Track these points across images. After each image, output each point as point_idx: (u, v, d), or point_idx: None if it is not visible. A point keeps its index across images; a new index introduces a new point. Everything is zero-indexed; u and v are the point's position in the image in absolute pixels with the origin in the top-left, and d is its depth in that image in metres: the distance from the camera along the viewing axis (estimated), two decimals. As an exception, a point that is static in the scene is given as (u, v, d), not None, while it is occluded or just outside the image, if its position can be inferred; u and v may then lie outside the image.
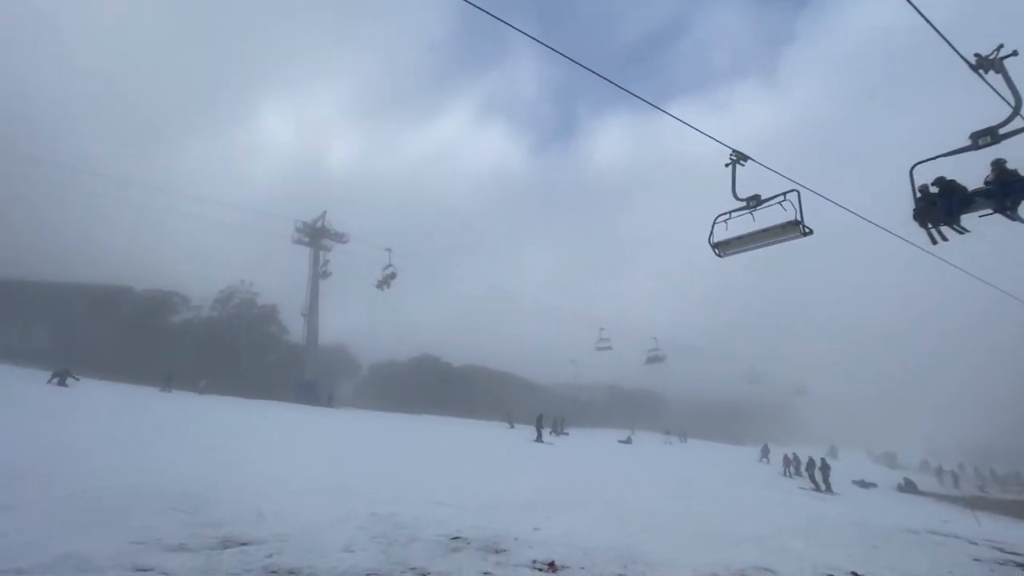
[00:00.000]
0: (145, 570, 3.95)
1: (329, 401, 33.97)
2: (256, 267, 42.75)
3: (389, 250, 31.54)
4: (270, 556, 4.55)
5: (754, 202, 6.83)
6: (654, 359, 39.67)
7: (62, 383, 18.31)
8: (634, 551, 6.06)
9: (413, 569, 4.63)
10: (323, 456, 11.69)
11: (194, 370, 30.28)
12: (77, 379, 19.33)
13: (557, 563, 5.18)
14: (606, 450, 25.06)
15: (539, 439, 23.65)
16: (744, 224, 6.95)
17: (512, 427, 32.32)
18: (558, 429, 30.44)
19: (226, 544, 4.76)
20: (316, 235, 38.45)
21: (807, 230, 6.32)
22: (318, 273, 38.47)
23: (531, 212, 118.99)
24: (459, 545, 5.57)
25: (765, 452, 31.08)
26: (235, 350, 36.79)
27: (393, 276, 31.83)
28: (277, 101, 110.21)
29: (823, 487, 19.83)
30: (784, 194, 6.50)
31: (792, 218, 6.32)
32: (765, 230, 6.63)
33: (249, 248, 44.87)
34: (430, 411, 35.64)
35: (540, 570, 4.96)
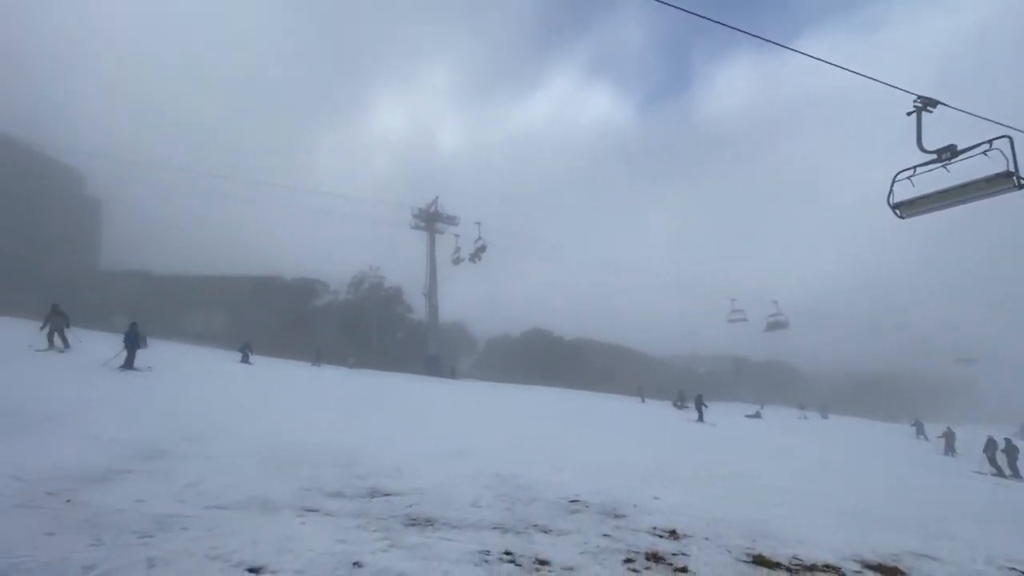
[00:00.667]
0: (312, 511, 4.66)
1: (452, 373, 36.47)
2: (382, 252, 46.71)
3: (478, 224, 32.46)
4: (410, 506, 5.10)
5: (948, 154, 5.67)
6: (775, 325, 36.18)
7: (245, 360, 21.95)
8: (764, 526, 5.75)
9: (535, 526, 4.89)
10: (450, 421, 12.66)
11: (336, 347, 34.21)
12: (251, 353, 23.06)
13: (679, 531, 5.12)
14: (732, 425, 23.73)
15: (700, 419, 22.43)
16: (931, 180, 5.84)
17: (643, 401, 31.85)
18: (680, 403, 29.42)
19: (373, 494, 5.43)
20: (431, 219, 40.82)
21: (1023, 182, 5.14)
22: (434, 255, 40.92)
23: (643, 174, 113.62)
24: (578, 508, 5.74)
25: (920, 429, 27.20)
26: (368, 329, 40.79)
27: (483, 249, 32.76)
28: (389, 93, 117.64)
29: (1007, 472, 16.85)
30: (990, 142, 5.33)
31: (1004, 168, 5.16)
32: (965, 185, 5.45)
33: (375, 235, 49.18)
34: (542, 383, 36.52)
35: (660, 536, 4.94)
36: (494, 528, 4.72)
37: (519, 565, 3.82)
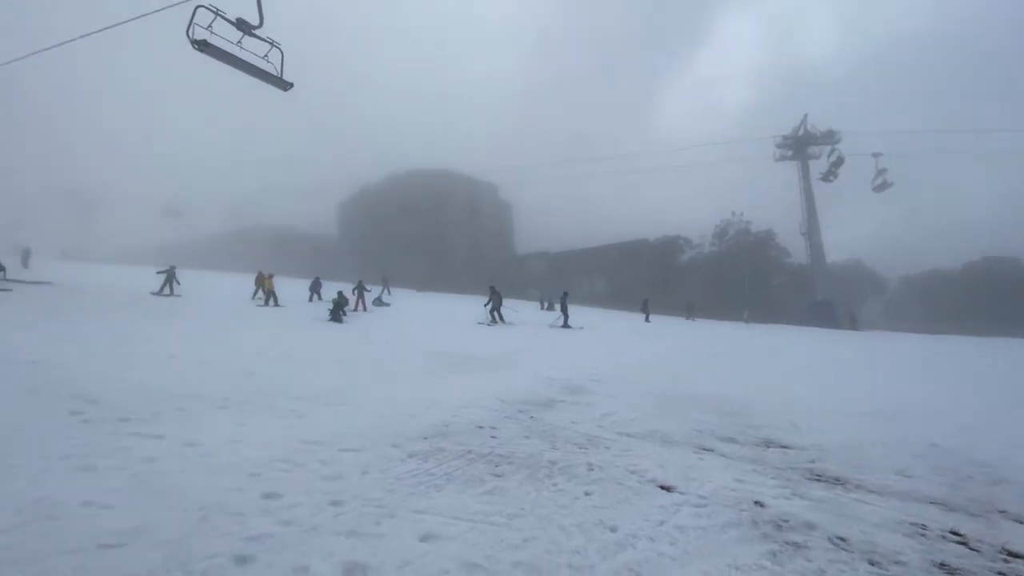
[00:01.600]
0: (707, 450, 5.03)
1: (852, 323, 30.70)
2: (746, 195, 43.40)
3: (833, 132, 24.64)
4: (812, 462, 4.79)
5: None
6: None
7: (647, 319, 24.74)
8: None
9: (1000, 512, 3.76)
10: (853, 379, 10.86)
11: (706, 300, 34.21)
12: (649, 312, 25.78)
13: None
14: None
15: None
16: None
17: None
18: None
19: (768, 444, 5.36)
20: (800, 144, 35.05)
21: None
22: (810, 186, 35.01)
23: None
24: (1091, 504, 4.03)
25: None
26: (738, 278, 38.86)
27: (840, 159, 24.97)
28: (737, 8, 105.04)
29: None
30: None
31: None
32: None
33: (737, 178, 46.03)
34: (1007, 333, 26.05)
35: None
36: (931, 503, 3.90)
37: (974, 550, 3.08)
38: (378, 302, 21.23)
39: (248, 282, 21.99)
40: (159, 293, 17.48)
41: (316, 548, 2.61)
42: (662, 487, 3.91)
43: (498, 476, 3.94)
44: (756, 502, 3.62)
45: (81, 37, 8.62)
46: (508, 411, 6.16)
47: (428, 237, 45.99)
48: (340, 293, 16.68)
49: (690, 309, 30.00)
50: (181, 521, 2.76)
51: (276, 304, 17.96)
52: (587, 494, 3.70)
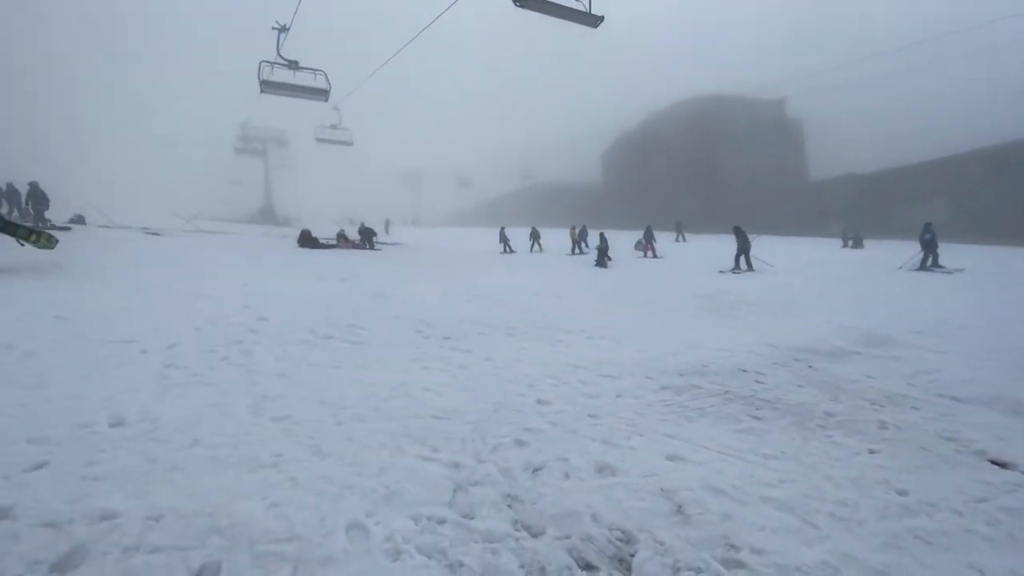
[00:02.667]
0: (1096, 430, 3.57)
1: None
2: None
3: None
4: None
5: None
6: None
7: None
8: None
9: None
10: None
11: None
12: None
13: None
14: None
15: None
16: None
17: None
18: None
19: None
20: None
21: None
22: None
23: None
24: None
25: None
26: None
27: None
28: None
29: None
30: None
31: None
32: None
33: None
34: None
35: None
36: None
37: None
38: (641, 247, 21.22)
39: (524, 235, 25.01)
40: (505, 251, 21.87)
41: (575, 447, 3.10)
42: (993, 462, 3.04)
43: (757, 419, 3.74)
44: None
45: (421, 32, 10.34)
46: (780, 358, 5.61)
47: (698, 173, 42.72)
48: (602, 235, 17.42)
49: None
50: (481, 410, 3.67)
51: (580, 252, 20.74)
52: (872, 452, 3.19)
